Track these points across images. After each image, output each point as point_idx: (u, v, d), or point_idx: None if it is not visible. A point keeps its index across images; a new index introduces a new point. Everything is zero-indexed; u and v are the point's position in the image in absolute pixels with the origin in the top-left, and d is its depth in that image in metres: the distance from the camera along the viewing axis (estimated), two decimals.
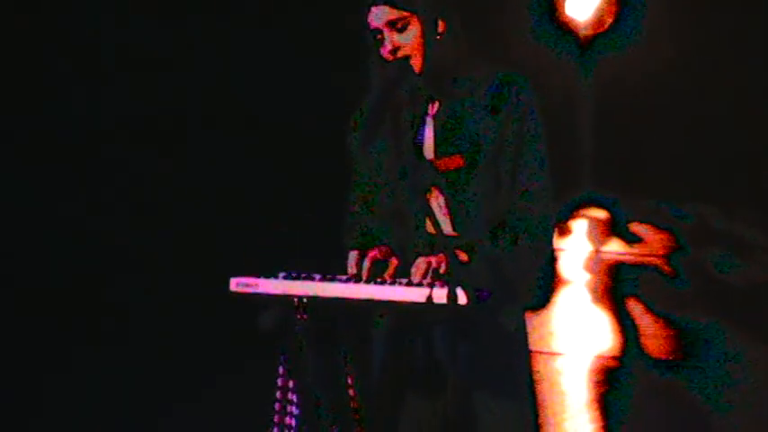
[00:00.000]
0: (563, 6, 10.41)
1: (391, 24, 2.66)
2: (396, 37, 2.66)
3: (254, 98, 4.61)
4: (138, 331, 4.55)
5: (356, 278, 2.54)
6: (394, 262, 2.64)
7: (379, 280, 2.50)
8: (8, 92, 4.42)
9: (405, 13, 2.66)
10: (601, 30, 10.75)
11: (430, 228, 2.73)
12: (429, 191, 2.72)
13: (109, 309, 4.53)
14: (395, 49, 2.66)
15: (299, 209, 4.55)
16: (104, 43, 4.49)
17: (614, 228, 9.78)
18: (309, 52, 4.52)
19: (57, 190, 4.50)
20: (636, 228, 9.65)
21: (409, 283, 2.45)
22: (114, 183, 4.54)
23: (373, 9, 2.67)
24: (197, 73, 4.51)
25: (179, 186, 4.56)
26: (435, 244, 2.68)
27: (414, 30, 2.67)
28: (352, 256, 2.62)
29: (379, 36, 2.68)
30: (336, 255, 2.77)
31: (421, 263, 2.52)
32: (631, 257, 8.47)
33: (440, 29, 2.71)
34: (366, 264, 2.57)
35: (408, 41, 2.67)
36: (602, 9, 10.66)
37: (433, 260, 2.52)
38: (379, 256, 2.63)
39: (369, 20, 2.68)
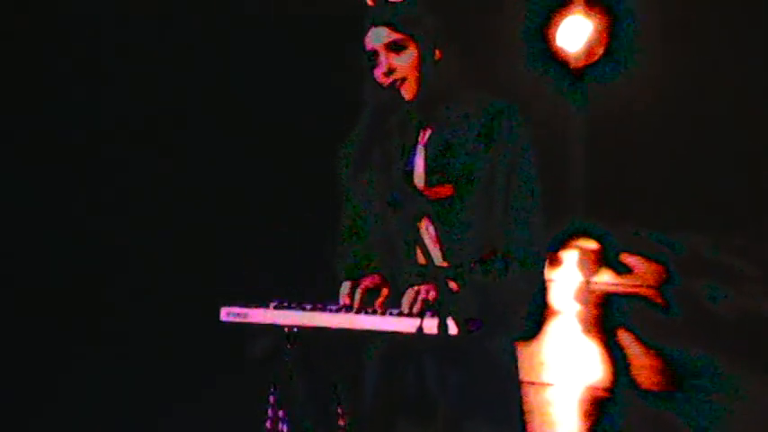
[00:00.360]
0: (554, 38, 10.46)
1: (389, 47, 2.67)
2: (392, 59, 2.67)
3: (254, 98, 4.64)
4: (137, 331, 4.56)
5: (348, 308, 2.54)
6: (385, 291, 2.65)
7: (369, 310, 2.50)
8: (8, 92, 4.45)
9: (403, 36, 2.68)
10: (592, 60, 10.78)
11: (421, 258, 2.73)
12: (419, 220, 2.73)
13: (109, 309, 4.56)
14: (390, 71, 2.67)
15: (298, 209, 4.57)
16: (104, 43, 4.51)
17: (605, 258, 9.78)
18: (309, 52, 4.56)
19: (57, 190, 4.49)
20: (626, 258, 9.66)
21: (400, 314, 2.45)
22: (114, 183, 4.55)
23: (372, 29, 2.69)
24: (197, 73, 4.54)
25: (179, 186, 4.58)
26: (426, 274, 2.68)
27: (411, 53, 2.68)
28: (345, 286, 2.63)
29: (374, 57, 2.69)
30: (333, 255, 2.79)
31: (410, 293, 2.53)
32: (622, 288, 8.47)
33: (437, 56, 2.73)
34: (358, 293, 2.58)
35: (404, 64, 2.67)
36: (593, 40, 10.69)
37: (423, 289, 2.53)
38: (371, 285, 2.64)
39: (365, 42, 2.70)
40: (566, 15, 10.26)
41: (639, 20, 10.14)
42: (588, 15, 10.34)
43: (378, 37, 2.68)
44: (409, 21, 2.68)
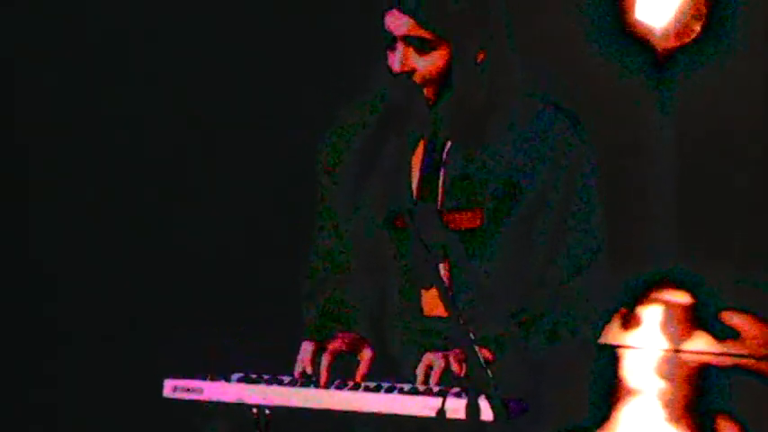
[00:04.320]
0: (633, 8, 10.52)
1: (409, 41, 2.66)
2: (413, 57, 2.67)
3: (255, 98, 5.04)
4: (136, 333, 4.93)
5: (313, 382, 2.55)
6: (367, 355, 2.65)
7: (371, 386, 2.50)
8: (8, 92, 5.02)
9: (431, 36, 2.66)
10: (686, 40, 10.83)
11: (431, 307, 2.73)
12: (438, 254, 2.69)
13: (107, 311, 4.94)
14: (408, 73, 2.66)
15: (271, 244, 4.98)
16: (103, 42, 5.03)
17: (700, 317, 9.80)
18: (311, 51, 4.93)
19: (57, 190, 5.04)
20: (730, 317, 9.68)
21: (413, 391, 2.46)
22: (115, 184, 5.04)
23: (389, 15, 2.67)
24: (197, 73, 4.98)
25: (178, 187, 5.02)
26: (445, 334, 2.68)
27: (439, 55, 2.68)
28: (307, 350, 2.63)
29: (392, 41, 2.68)
30: None
31: (426, 359, 2.54)
32: (724, 359, 8.48)
33: (477, 59, 2.73)
34: (325, 361, 2.58)
35: (429, 66, 2.67)
36: (688, 10, 10.73)
37: (451, 357, 2.52)
38: (343, 348, 2.64)
39: (385, 17, 2.68)
40: None
41: None
42: None
43: (398, 24, 2.67)
44: (442, 16, 2.66)
